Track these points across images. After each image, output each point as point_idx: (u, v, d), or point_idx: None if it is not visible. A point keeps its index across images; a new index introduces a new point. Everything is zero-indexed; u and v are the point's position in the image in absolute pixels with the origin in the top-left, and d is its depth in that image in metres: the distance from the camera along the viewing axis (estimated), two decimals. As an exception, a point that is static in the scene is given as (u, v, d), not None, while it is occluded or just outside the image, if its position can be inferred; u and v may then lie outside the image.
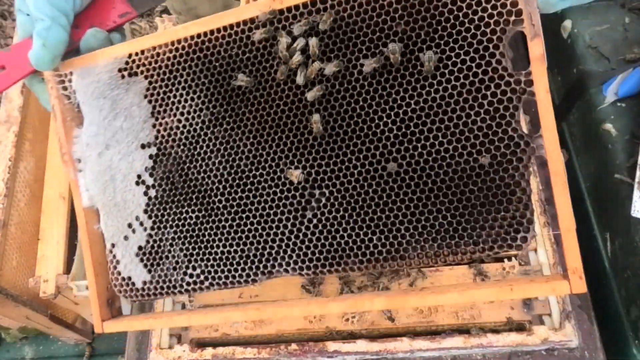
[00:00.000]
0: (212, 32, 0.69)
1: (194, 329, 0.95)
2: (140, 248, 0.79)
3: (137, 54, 0.73)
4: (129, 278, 0.79)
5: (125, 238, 0.79)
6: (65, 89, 0.76)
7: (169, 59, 0.73)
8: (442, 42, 0.61)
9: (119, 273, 0.79)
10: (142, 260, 0.78)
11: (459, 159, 0.64)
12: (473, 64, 0.61)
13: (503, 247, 0.63)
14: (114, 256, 0.79)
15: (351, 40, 0.65)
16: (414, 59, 0.63)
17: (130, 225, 0.79)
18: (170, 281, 0.77)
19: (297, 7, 0.67)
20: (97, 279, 0.79)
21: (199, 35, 0.70)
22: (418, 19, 0.62)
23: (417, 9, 0.62)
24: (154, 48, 0.73)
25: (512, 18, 0.59)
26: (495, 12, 0.59)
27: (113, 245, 0.80)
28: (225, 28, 0.69)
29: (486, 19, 0.60)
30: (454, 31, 0.61)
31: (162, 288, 0.78)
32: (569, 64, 0.85)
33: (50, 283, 1.03)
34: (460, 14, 0.60)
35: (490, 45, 0.60)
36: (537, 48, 0.58)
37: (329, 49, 0.67)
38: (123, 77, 0.75)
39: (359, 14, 0.65)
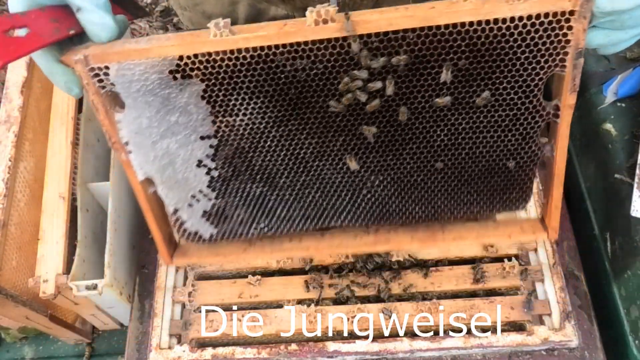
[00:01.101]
0: (276, 46, 0.67)
1: (194, 329, 0.95)
2: (205, 212, 0.85)
3: (189, 57, 0.69)
4: (196, 232, 0.86)
5: (190, 205, 0.84)
6: (100, 81, 0.71)
7: (228, 66, 0.69)
8: (498, 80, 0.70)
9: (185, 230, 0.86)
10: (207, 220, 0.86)
11: (492, 163, 0.78)
12: (519, 102, 0.72)
13: (511, 208, 0.84)
14: (178, 218, 0.85)
15: (422, 74, 0.70)
16: (472, 92, 0.71)
17: (193, 196, 0.83)
18: (236, 232, 0.87)
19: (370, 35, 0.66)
20: (160, 228, 0.85)
21: (262, 48, 0.67)
22: (477, 58, 0.68)
23: (480, 52, 0.67)
24: (210, 54, 0.69)
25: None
26: (548, 70, 0.68)
27: (176, 210, 0.84)
28: (291, 44, 0.67)
29: (540, 76, 0.69)
30: (509, 74, 0.69)
31: (228, 235, 0.87)
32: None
33: (50, 283, 1.03)
34: (518, 65, 0.68)
35: (535, 89, 0.70)
36: (571, 99, 0.69)
37: (398, 75, 0.69)
38: (175, 78, 0.72)
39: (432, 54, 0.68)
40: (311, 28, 0.64)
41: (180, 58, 0.69)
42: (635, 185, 0.96)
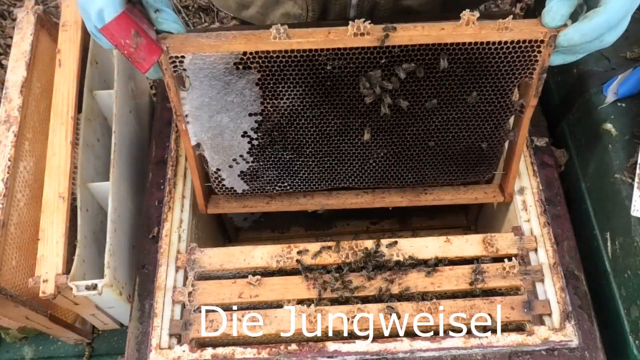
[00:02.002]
0: (322, 50, 0.84)
1: (194, 329, 0.95)
2: (242, 172, 1.06)
3: (251, 53, 0.85)
4: (232, 188, 1.09)
5: (230, 167, 1.04)
6: (175, 66, 0.86)
7: (281, 61, 0.86)
8: (483, 84, 0.91)
9: (223, 186, 1.08)
10: (242, 179, 1.07)
11: (471, 143, 1.01)
12: (496, 100, 0.94)
13: (480, 177, 1.09)
14: (219, 176, 1.06)
15: (428, 76, 0.89)
16: (463, 92, 0.91)
17: (234, 160, 1.03)
18: (264, 189, 1.09)
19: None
20: (200, 183, 1.07)
21: (310, 50, 0.84)
22: (471, 68, 0.88)
23: (474, 63, 0.87)
24: (268, 52, 0.84)
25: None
26: (520, 79, 0.89)
27: (218, 170, 1.05)
28: (334, 49, 0.84)
29: (514, 83, 0.91)
30: (492, 80, 0.90)
31: (257, 191, 1.10)
32: (568, 64, 0.86)
33: (50, 283, 1.03)
34: (500, 74, 0.89)
35: (509, 92, 0.92)
36: (534, 102, 0.92)
37: (409, 75, 0.88)
38: (238, 68, 0.87)
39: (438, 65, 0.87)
40: (351, 38, 0.82)
41: (244, 53, 0.85)
42: (636, 185, 0.96)
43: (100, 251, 1.10)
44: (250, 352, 0.92)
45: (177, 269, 1.02)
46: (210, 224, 1.32)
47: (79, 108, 1.20)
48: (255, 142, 1.00)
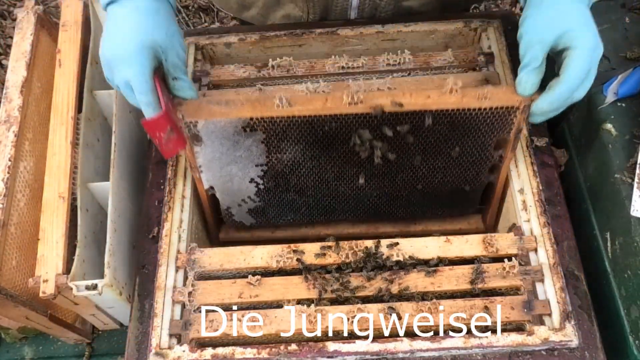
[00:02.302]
0: (320, 116, 0.93)
1: (194, 329, 0.95)
2: (250, 209, 1.16)
3: (257, 118, 0.94)
4: (241, 221, 1.20)
5: (239, 205, 1.15)
6: (189, 129, 0.96)
7: (284, 125, 0.95)
8: (465, 141, 1.01)
9: (234, 220, 1.19)
10: (250, 215, 1.18)
11: (455, 186, 1.11)
12: (477, 153, 1.04)
13: (462, 213, 1.22)
14: (229, 212, 1.17)
15: (416, 135, 0.99)
16: (447, 147, 1.01)
17: (243, 200, 1.13)
18: (269, 222, 1.20)
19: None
20: (212, 216, 1.18)
21: (309, 116, 0.93)
22: (454, 128, 0.98)
23: (457, 125, 0.97)
24: (272, 117, 0.93)
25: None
26: (498, 137, 1.00)
27: (228, 208, 1.16)
28: (330, 115, 0.93)
29: (493, 140, 1.01)
30: (473, 137, 1.00)
31: (263, 224, 1.21)
32: (568, 64, 0.86)
33: (50, 283, 1.03)
34: (480, 133, 0.99)
35: (489, 146, 1.02)
36: (511, 155, 1.04)
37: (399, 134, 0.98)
38: (245, 131, 0.97)
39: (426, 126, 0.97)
40: (346, 106, 0.91)
41: (251, 119, 0.94)
42: (635, 185, 0.96)
43: (100, 251, 1.10)
44: (250, 352, 0.92)
45: (177, 269, 1.02)
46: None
47: (79, 108, 1.20)
48: (261, 187, 1.10)
